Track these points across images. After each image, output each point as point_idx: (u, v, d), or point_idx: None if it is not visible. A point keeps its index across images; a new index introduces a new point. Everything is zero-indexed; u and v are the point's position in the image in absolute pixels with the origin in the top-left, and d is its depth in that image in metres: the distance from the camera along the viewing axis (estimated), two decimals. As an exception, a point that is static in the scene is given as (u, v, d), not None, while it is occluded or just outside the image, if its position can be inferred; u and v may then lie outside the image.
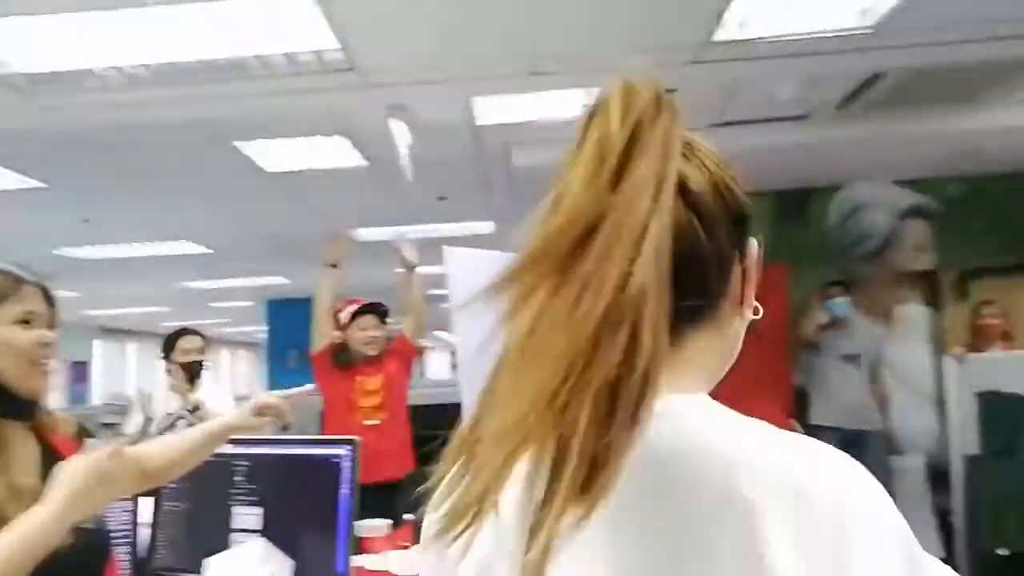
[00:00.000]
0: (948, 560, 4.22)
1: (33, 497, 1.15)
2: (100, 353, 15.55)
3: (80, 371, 14.45)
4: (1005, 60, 3.89)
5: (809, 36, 3.47)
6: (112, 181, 5.15)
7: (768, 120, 4.81)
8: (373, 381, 3.77)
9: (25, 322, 1.27)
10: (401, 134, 4.17)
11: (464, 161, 5.16)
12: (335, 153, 4.77)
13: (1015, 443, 3.85)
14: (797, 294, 5.75)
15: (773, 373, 5.45)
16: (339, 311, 3.81)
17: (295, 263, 8.67)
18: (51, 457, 1.25)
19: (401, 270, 4.10)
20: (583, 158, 0.64)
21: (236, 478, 1.85)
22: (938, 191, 6.10)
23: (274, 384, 10.76)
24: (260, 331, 13.85)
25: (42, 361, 1.28)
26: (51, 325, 1.33)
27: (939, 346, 5.19)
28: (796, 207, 6.18)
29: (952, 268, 6.03)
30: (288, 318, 11.38)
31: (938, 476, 4.99)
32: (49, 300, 1.35)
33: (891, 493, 0.86)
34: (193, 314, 13.66)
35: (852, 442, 5.13)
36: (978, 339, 4.95)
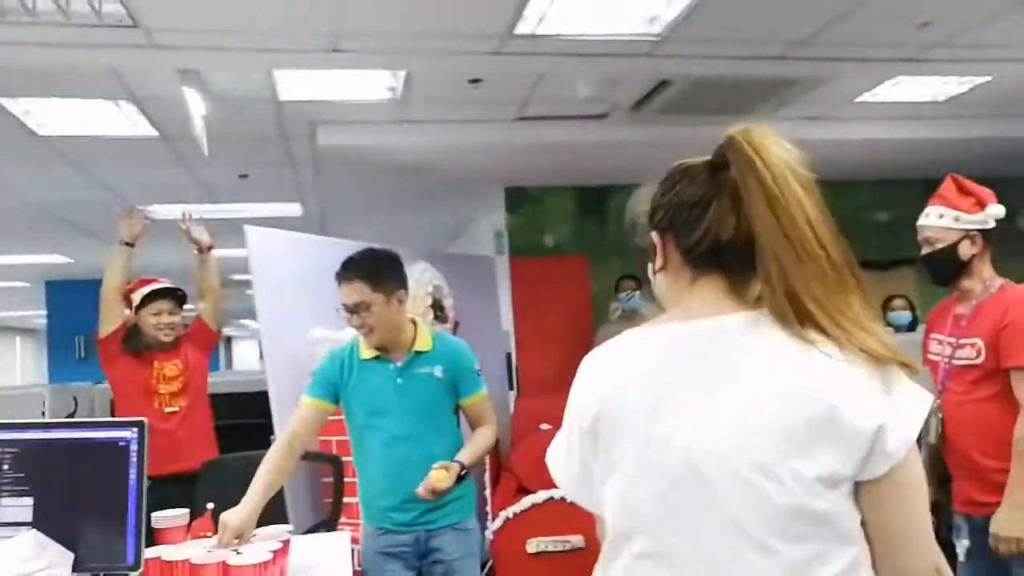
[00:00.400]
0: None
1: None
2: None
3: None
4: (774, 78, 4.33)
5: (602, 38, 3.67)
6: None
7: (570, 117, 5.02)
8: (172, 366, 3.53)
9: None
10: (195, 104, 3.91)
11: (267, 138, 4.95)
12: (122, 121, 4.39)
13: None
14: (597, 285, 6.08)
15: (579, 359, 5.71)
16: (131, 291, 3.52)
17: (78, 241, 7.91)
18: None
19: (195, 251, 3.86)
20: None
21: (3, 466, 1.66)
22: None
23: (60, 376, 9.76)
24: (39, 316, 12.48)
25: None
26: None
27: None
28: (596, 203, 6.51)
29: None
30: (71, 301, 10.37)
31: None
32: None
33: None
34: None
35: None
36: None
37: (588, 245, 6.37)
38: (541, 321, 5.72)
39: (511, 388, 5.82)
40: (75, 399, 4.99)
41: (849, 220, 5.74)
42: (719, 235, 1.08)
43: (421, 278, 4.71)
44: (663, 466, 1.00)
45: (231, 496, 2.86)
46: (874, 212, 6.94)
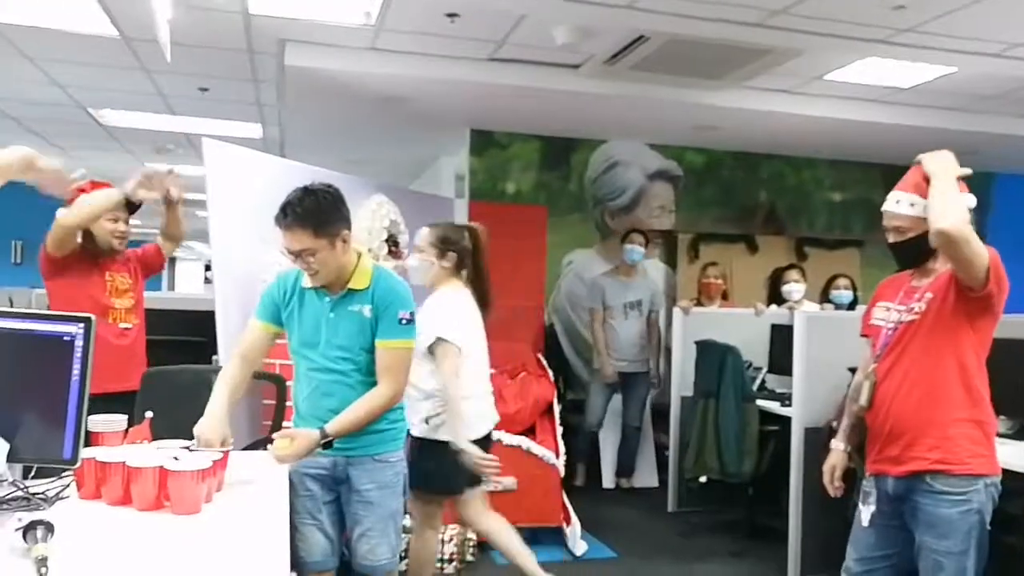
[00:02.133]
0: (661, 487, 4.79)
1: None
2: None
3: None
4: (749, 44, 4.35)
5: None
6: None
7: (544, 63, 4.98)
8: (122, 279, 3.42)
9: None
10: (161, 4, 3.77)
11: (232, 51, 4.80)
12: (79, 14, 4.20)
13: (718, 386, 4.41)
14: (552, 237, 6.11)
15: (528, 309, 5.76)
16: (82, 191, 3.39)
17: (22, 139, 7.61)
18: None
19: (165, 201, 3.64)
20: None
21: (-59, 351, 1.63)
22: (681, 158, 6.74)
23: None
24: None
25: None
26: None
27: (671, 299, 5.79)
28: (560, 154, 6.51)
29: (687, 230, 6.71)
30: (8, 204, 9.95)
31: (659, 415, 5.63)
32: None
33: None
34: None
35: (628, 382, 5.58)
36: (702, 295, 5.57)
37: (548, 196, 6.38)
38: (494, 267, 5.69)
39: (458, 331, 5.85)
40: (11, 300, 4.86)
41: (803, 196, 5.96)
42: None
43: (378, 211, 4.68)
44: None
45: (171, 406, 2.86)
46: (827, 191, 7.09)
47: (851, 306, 5.13)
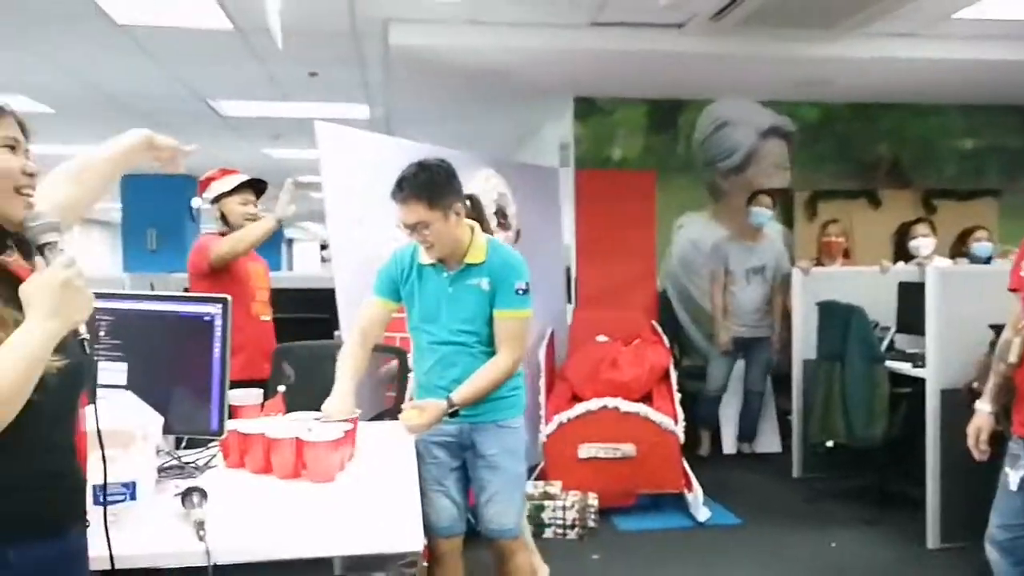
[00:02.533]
0: (784, 452, 4.68)
1: (12, 324, 1.14)
2: None
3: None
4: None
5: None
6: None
7: (646, 25, 4.85)
8: (260, 267, 3.59)
9: (10, 147, 1.22)
10: (272, -5, 3.89)
11: (339, 34, 4.91)
12: (197, 11, 4.40)
13: (844, 348, 4.24)
14: (662, 201, 5.99)
15: (640, 276, 5.71)
16: (211, 179, 3.58)
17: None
18: (11, 281, 1.19)
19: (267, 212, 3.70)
20: None
21: (100, 332, 1.76)
22: (795, 114, 6.45)
23: (133, 267, 10.14)
24: (114, 208, 12.84)
25: (26, 190, 1.22)
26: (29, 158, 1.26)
27: (790, 260, 5.58)
28: (667, 117, 6.35)
29: (804, 188, 6.44)
30: (144, 195, 10.65)
31: (780, 378, 5.47)
32: (25, 132, 1.27)
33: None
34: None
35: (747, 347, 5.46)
36: (823, 255, 5.35)
37: (656, 160, 6.25)
38: (604, 234, 5.68)
39: (569, 301, 5.85)
40: (152, 285, 5.19)
41: (929, 146, 5.63)
42: None
43: (486, 185, 4.72)
44: None
45: (299, 379, 2.99)
46: (957, 139, 6.62)
47: (988, 260, 4.82)
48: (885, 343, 4.43)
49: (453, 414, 2.38)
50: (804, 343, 4.84)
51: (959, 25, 4.87)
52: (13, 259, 1.23)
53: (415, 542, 1.59)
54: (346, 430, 2.07)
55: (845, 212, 6.10)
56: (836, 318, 4.33)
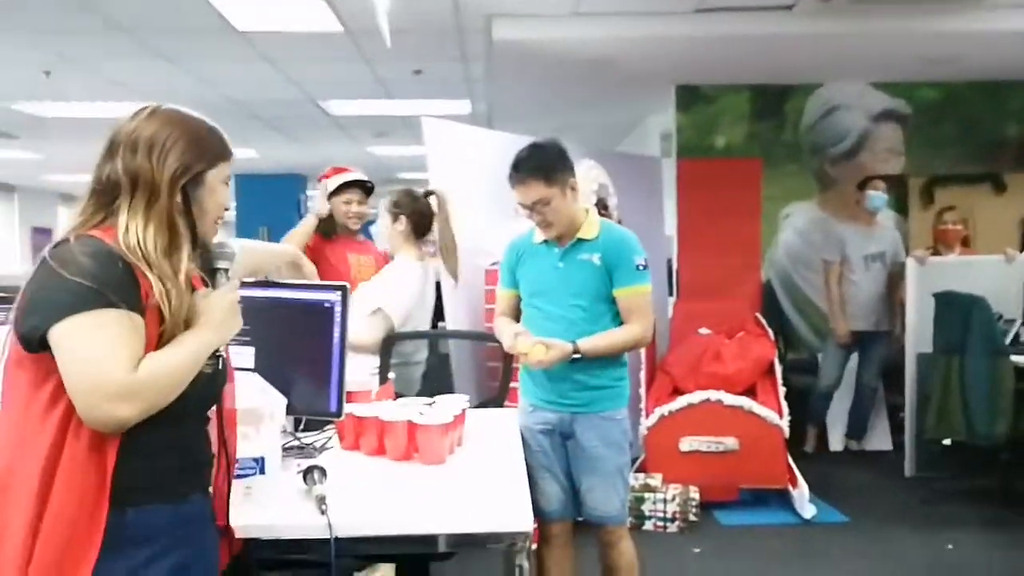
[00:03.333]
0: (895, 449, 4.52)
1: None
2: (64, 221, 15.26)
3: (44, 238, 14.20)
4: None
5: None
6: (76, 30, 4.91)
7: (754, 9, 4.74)
8: (367, 259, 3.64)
9: (226, 184, 1.47)
10: (380, -5, 4.03)
11: (443, 32, 5.02)
12: (310, 15, 4.59)
13: (964, 341, 4.05)
14: (768, 190, 5.85)
15: (744, 267, 5.59)
16: (325, 177, 3.73)
17: (264, 135, 8.47)
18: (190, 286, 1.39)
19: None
20: None
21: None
22: (911, 95, 6.16)
23: (242, 263, 10.66)
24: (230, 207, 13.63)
25: (220, 221, 1.47)
26: None
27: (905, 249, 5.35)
28: (773, 103, 6.19)
29: (919, 174, 6.15)
30: (256, 194, 11.17)
31: (890, 373, 5.25)
32: None
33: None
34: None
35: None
36: (939, 243, 5.11)
37: (761, 148, 6.10)
38: (706, 225, 5.59)
39: (670, 294, 5.80)
40: (266, 277, 5.45)
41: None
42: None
43: (587, 175, 4.73)
44: None
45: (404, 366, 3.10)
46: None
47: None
48: (1010, 336, 4.21)
49: (575, 361, 2.42)
50: (918, 336, 4.64)
51: (1096, -5, 4.55)
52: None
53: (524, 522, 1.64)
54: (455, 415, 2.14)
55: (965, 198, 5.78)
56: (956, 309, 4.14)
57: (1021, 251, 4.73)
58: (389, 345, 3.02)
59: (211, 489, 1.45)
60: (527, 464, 2.12)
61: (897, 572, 3.50)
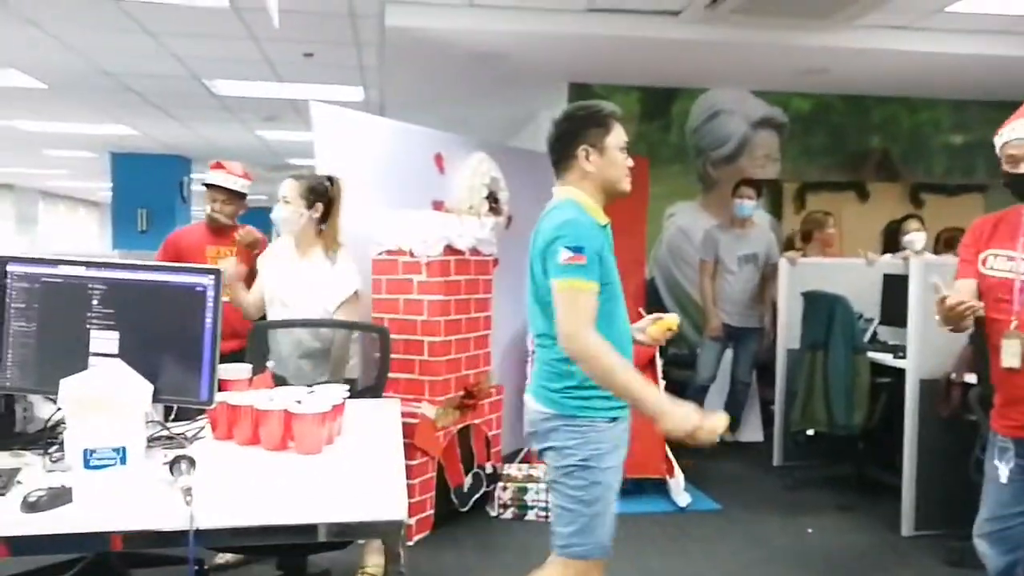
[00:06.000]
0: (766, 441, 4.74)
1: None
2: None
3: None
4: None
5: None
6: (-72, -11, 4.54)
7: (643, 12, 4.87)
8: (227, 250, 3.81)
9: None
10: (270, -28, 3.91)
11: (336, 15, 4.91)
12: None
13: (827, 338, 4.30)
14: (654, 189, 6.02)
15: (629, 263, 5.72)
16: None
17: (143, 111, 8.05)
18: None
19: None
20: None
21: (93, 302, 1.79)
22: (787, 105, 6.49)
23: (122, 247, 10.12)
24: (102, 188, 12.80)
25: None
26: None
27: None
28: (661, 105, 6.38)
29: (793, 179, 6.49)
30: (135, 174, 10.62)
31: (763, 368, 5.53)
32: None
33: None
34: (24, 160, 12.46)
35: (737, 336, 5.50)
36: (805, 246, 5.40)
37: (649, 148, 6.29)
38: (594, 221, 5.71)
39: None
40: (141, 262, 5.22)
41: (920, 140, 5.69)
42: None
43: (479, 168, 4.75)
44: None
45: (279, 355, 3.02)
46: (948, 133, 6.68)
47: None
48: (868, 334, 4.50)
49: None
50: (788, 332, 4.90)
51: (952, 19, 4.91)
52: None
53: (399, 511, 1.64)
54: (334, 404, 2.11)
55: (833, 204, 6.16)
56: (820, 308, 4.39)
57: (881, 255, 5.06)
58: (261, 333, 2.94)
59: None
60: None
61: (763, 556, 3.68)
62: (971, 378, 3.46)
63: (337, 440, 2.14)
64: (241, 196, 3.94)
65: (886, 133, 6.65)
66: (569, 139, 2.20)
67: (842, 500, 4.32)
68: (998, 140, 2.32)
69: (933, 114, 6.65)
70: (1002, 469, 2.34)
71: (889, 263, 4.88)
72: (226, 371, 2.33)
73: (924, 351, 3.78)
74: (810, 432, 4.39)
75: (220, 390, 2.22)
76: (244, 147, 10.07)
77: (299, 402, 2.04)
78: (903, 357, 3.97)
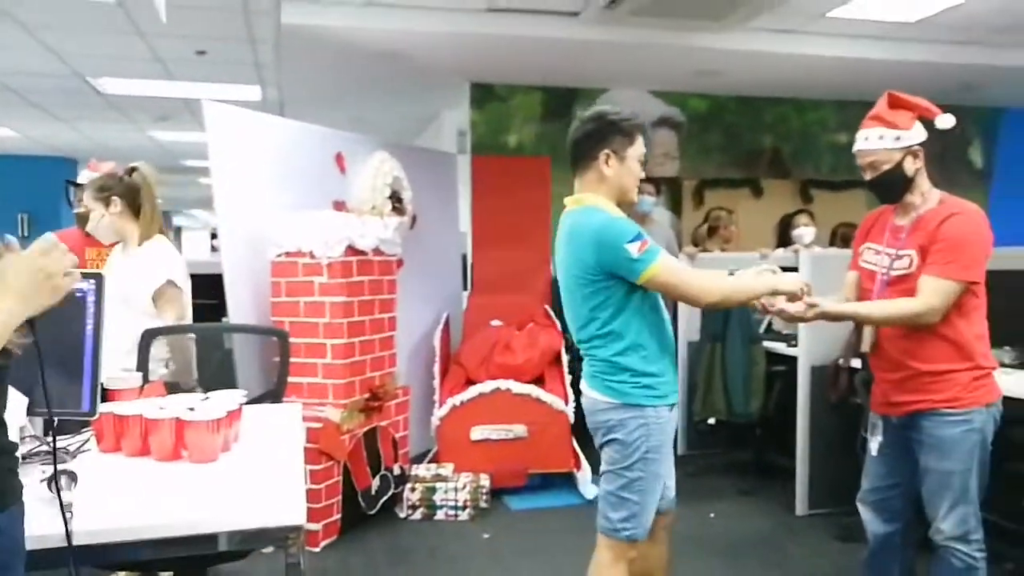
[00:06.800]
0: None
1: None
2: None
3: None
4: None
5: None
6: None
7: (542, 12, 4.93)
8: (104, 252, 3.51)
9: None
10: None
11: (228, 10, 4.76)
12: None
13: (724, 330, 4.44)
14: (557, 189, 6.09)
15: (534, 261, 5.77)
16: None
17: (23, 111, 7.61)
18: None
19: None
20: None
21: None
22: (684, 104, 6.69)
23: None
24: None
25: None
26: None
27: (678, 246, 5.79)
28: (562, 105, 6.47)
29: (691, 177, 6.69)
30: (15, 177, 10.02)
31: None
32: None
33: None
34: None
35: None
36: (707, 242, 5.58)
37: (551, 147, 6.35)
38: (499, 220, 5.73)
39: (465, 287, 5.89)
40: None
41: (808, 139, 5.93)
42: None
43: (381, 168, 4.69)
44: None
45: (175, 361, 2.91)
46: (833, 133, 7.02)
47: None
48: (764, 324, 4.67)
49: None
50: (689, 325, 5.04)
51: (833, 24, 5.17)
52: None
53: (297, 516, 1.60)
54: (230, 410, 2.04)
55: (729, 201, 6.38)
56: (718, 301, 4.53)
57: (774, 250, 5.27)
58: (149, 339, 2.81)
59: None
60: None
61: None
62: (857, 363, 3.64)
63: (234, 447, 2.08)
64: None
65: (777, 133, 6.94)
66: (594, 141, 2.31)
67: (742, 485, 4.47)
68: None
69: (820, 114, 6.98)
70: (872, 443, 2.55)
71: (781, 256, 5.08)
72: (114, 381, 2.23)
73: (814, 339, 3.95)
74: (711, 421, 4.52)
75: (108, 400, 2.13)
76: (136, 149, 9.66)
77: (192, 409, 1.96)
78: (796, 345, 4.14)
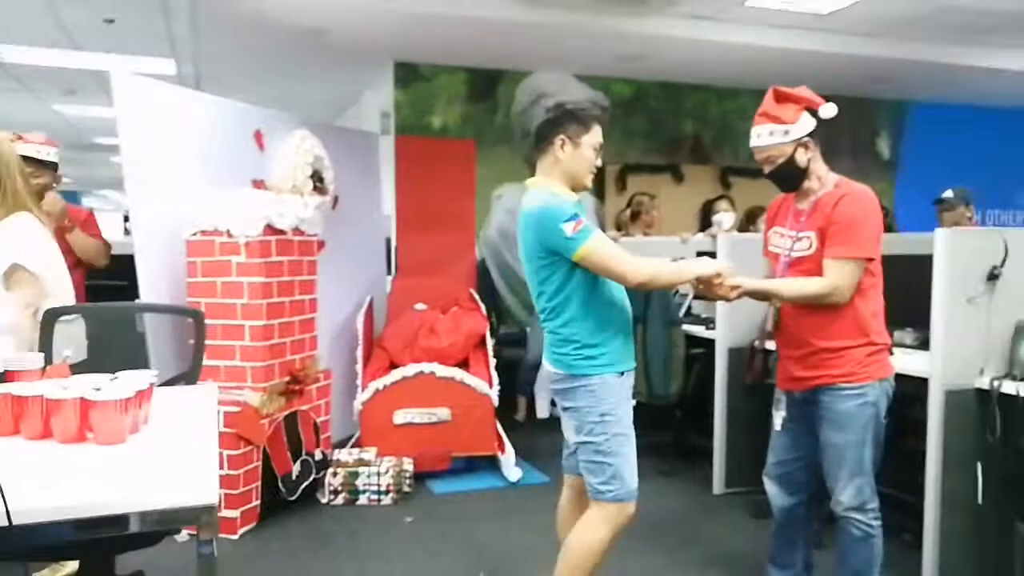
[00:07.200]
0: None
1: None
2: None
3: None
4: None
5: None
6: None
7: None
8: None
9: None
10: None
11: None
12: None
13: (645, 312, 4.51)
14: (481, 171, 6.07)
15: (458, 245, 5.74)
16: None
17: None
18: None
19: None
20: None
21: None
22: (608, 89, 6.74)
23: None
24: None
25: None
26: None
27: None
28: (487, 87, 6.43)
29: (615, 162, 6.76)
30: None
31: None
32: None
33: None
34: None
35: None
36: (630, 226, 5.65)
37: (475, 130, 6.33)
38: (423, 202, 5.67)
39: (389, 271, 5.82)
40: None
41: (727, 127, 6.08)
42: None
43: (301, 145, 4.58)
44: None
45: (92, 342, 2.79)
46: (751, 121, 7.18)
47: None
48: (684, 308, 4.77)
49: None
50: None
51: (752, 12, 5.29)
52: None
53: (209, 496, 1.54)
54: (139, 390, 1.96)
55: (651, 186, 6.48)
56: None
57: (694, 234, 5.38)
58: (52, 319, 2.67)
59: None
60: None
61: (588, 522, 3.82)
62: (771, 345, 3.75)
63: (143, 428, 1.99)
64: (51, 166, 3.49)
65: (698, 119, 7.08)
66: (552, 126, 2.45)
67: (663, 466, 4.56)
68: None
69: (738, 102, 7.14)
70: (776, 417, 2.69)
71: (701, 241, 5.19)
72: (12, 362, 2.11)
73: (731, 322, 4.06)
74: (633, 403, 4.59)
75: (6, 382, 2.02)
76: (40, 124, 9.13)
77: (98, 389, 1.87)
78: (714, 328, 4.24)
